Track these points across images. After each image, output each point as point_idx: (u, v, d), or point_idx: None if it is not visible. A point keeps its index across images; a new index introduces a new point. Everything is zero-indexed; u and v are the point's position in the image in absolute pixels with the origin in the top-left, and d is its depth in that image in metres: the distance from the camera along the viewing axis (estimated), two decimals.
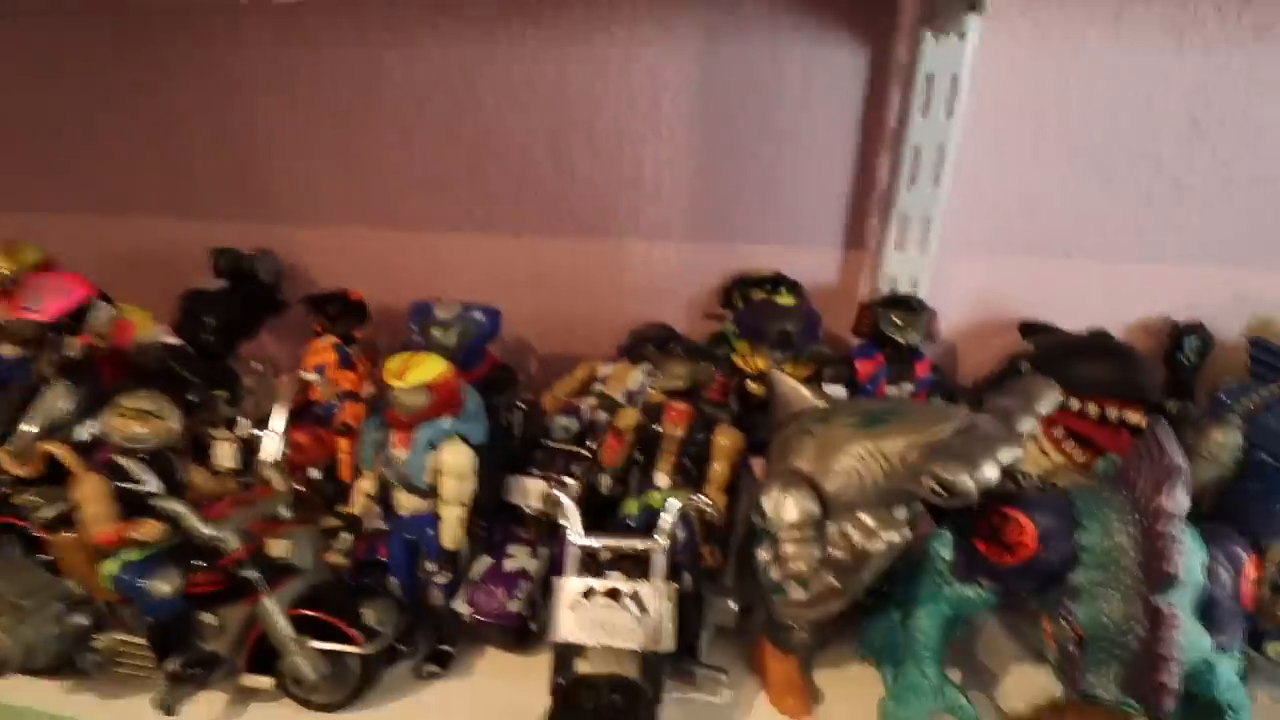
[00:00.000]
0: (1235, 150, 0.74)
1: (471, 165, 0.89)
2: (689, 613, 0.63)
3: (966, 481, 0.44)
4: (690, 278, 0.89)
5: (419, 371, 0.63)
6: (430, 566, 0.66)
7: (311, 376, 0.80)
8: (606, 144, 0.84)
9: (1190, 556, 0.46)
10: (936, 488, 0.45)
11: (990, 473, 0.45)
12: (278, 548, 0.63)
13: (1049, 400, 0.54)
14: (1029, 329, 0.81)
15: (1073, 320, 0.78)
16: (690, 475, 0.65)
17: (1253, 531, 0.50)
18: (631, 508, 0.66)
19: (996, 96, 0.73)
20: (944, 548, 0.53)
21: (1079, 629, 0.45)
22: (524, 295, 0.94)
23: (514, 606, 0.64)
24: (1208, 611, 0.46)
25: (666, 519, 0.57)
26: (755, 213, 0.85)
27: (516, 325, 0.96)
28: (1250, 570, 0.47)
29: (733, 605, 0.64)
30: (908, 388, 0.73)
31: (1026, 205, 0.78)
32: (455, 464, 0.64)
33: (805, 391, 0.62)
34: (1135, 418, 0.67)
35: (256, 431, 0.78)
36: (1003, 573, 0.49)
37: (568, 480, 0.73)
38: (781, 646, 0.61)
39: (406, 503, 0.66)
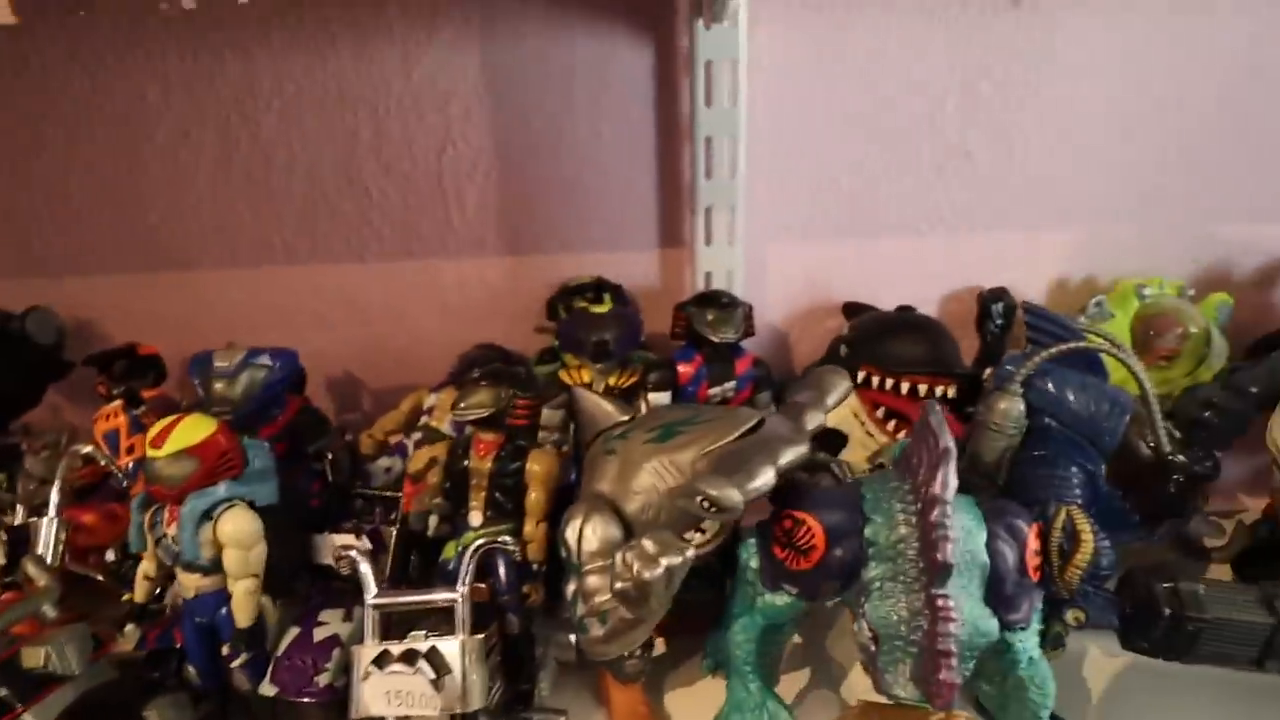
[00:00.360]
0: (1015, 116, 0.76)
1: (258, 195, 0.81)
2: (521, 656, 0.60)
3: (732, 496, 0.42)
4: (515, 293, 0.85)
5: (179, 436, 0.56)
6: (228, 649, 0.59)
7: (87, 449, 0.71)
8: (398, 158, 0.78)
9: (971, 538, 0.45)
10: (707, 505, 0.42)
11: (761, 481, 0.43)
12: (32, 656, 0.55)
13: (839, 391, 0.53)
14: (850, 310, 0.81)
15: (892, 297, 0.79)
16: (505, 510, 0.61)
17: (1038, 499, 0.51)
18: (450, 552, 0.61)
19: (778, 80, 0.72)
20: (751, 557, 0.51)
21: (872, 627, 0.43)
22: (340, 329, 0.87)
23: (325, 679, 0.58)
24: (996, 590, 0.45)
25: (466, 564, 0.53)
26: (569, 219, 0.81)
27: (338, 361, 0.89)
28: (1033, 541, 0.46)
29: (570, 638, 0.61)
30: (729, 385, 0.72)
31: (825, 187, 0.78)
32: (235, 533, 0.57)
33: (608, 406, 0.59)
34: (945, 391, 0.68)
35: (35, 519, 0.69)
36: (801, 577, 0.47)
37: (388, 529, 0.68)
38: (618, 677, 0.58)
39: (190, 583, 0.59)
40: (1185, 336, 0.74)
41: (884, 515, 0.46)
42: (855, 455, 0.73)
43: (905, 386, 0.69)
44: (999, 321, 0.76)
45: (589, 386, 0.73)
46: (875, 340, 0.71)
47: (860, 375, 0.72)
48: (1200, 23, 0.74)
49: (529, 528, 0.60)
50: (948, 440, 0.44)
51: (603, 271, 0.82)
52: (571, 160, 0.78)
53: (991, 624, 0.43)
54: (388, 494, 0.69)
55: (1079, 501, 0.50)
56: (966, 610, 0.43)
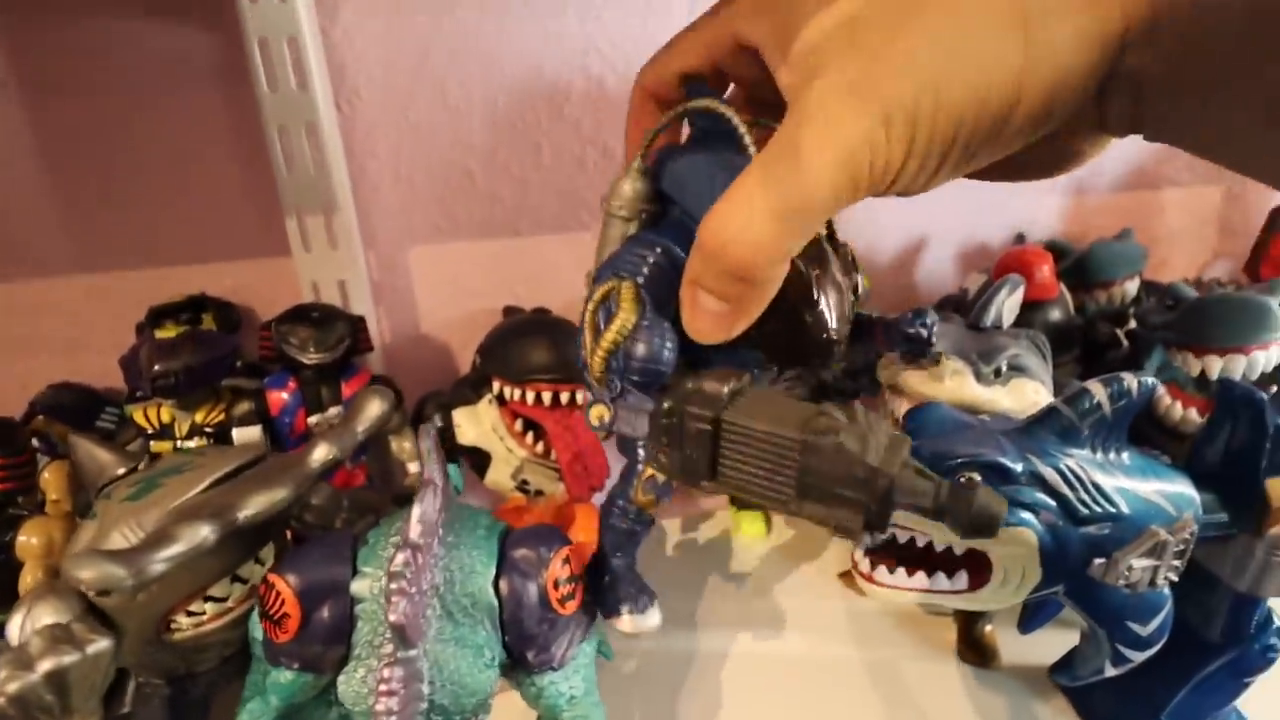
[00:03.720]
0: None
1: None
2: None
3: (111, 576, 0.33)
4: (108, 317, 0.71)
5: None
6: None
7: None
8: None
9: (473, 578, 0.39)
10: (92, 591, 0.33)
11: (178, 548, 0.34)
12: None
13: (366, 415, 0.46)
14: (508, 314, 0.75)
15: (558, 300, 0.73)
16: None
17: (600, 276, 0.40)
18: None
19: (361, 63, 0.64)
20: (254, 626, 0.42)
21: (342, 703, 0.36)
22: None
23: None
24: (514, 632, 0.40)
25: None
26: (154, 227, 0.68)
27: None
28: (557, 569, 0.41)
29: None
30: (334, 412, 0.63)
31: (457, 181, 0.71)
32: None
33: (106, 456, 0.47)
34: (572, 397, 0.63)
35: None
36: (289, 650, 0.39)
37: None
38: None
39: None
40: None
41: (376, 564, 0.39)
42: (499, 474, 0.67)
43: (531, 395, 0.63)
44: None
45: (166, 428, 0.62)
46: (501, 348, 0.65)
47: (495, 387, 0.66)
48: None
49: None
50: (431, 470, 0.38)
51: (208, 287, 0.70)
52: (143, 155, 0.65)
53: (482, 679, 0.37)
54: None
55: (640, 279, 0.35)
56: (451, 669, 0.36)
